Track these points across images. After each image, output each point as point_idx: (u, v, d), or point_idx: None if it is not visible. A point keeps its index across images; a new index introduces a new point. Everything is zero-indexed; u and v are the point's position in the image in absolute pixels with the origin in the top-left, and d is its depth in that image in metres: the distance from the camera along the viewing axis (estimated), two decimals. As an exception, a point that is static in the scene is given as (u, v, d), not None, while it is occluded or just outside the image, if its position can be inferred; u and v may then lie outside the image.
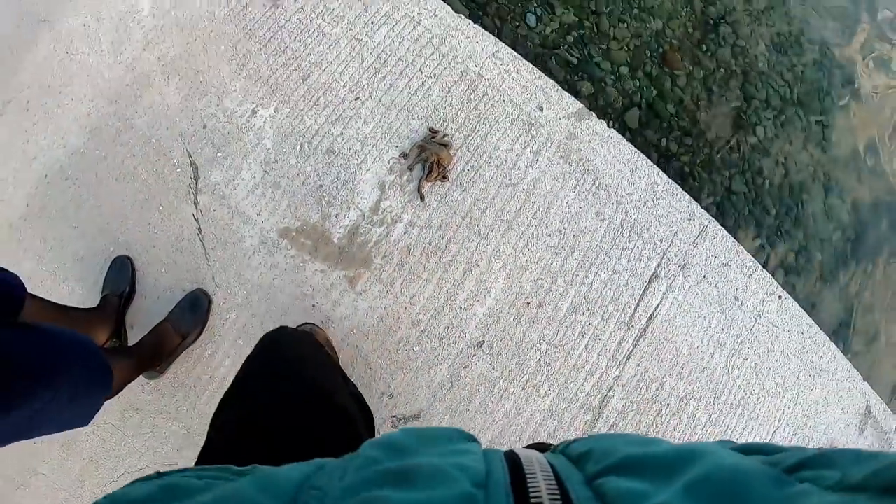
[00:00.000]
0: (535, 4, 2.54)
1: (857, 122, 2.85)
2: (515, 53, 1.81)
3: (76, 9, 1.98)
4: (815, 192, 2.84)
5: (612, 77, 2.57)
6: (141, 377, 1.68)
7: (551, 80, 1.82)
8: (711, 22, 2.82)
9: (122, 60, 1.88)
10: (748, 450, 0.31)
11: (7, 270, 1.06)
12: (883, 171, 2.80)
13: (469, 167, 1.72)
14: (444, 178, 1.70)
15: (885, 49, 2.94)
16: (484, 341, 1.68)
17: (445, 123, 1.75)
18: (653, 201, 1.84)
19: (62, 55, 1.92)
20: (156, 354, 1.63)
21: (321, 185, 1.70)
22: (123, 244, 1.79)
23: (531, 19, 2.51)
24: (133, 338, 1.75)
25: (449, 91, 1.77)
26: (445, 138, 1.74)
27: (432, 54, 1.80)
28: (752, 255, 1.91)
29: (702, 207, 1.91)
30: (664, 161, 2.59)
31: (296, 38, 1.82)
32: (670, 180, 1.91)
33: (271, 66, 1.79)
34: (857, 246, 2.73)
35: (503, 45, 1.81)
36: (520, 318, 1.70)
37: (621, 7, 2.65)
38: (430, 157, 1.69)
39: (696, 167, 2.66)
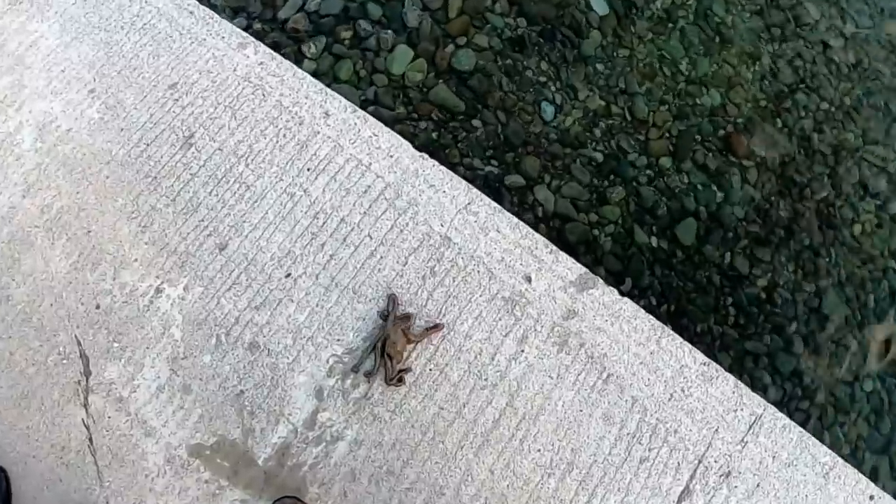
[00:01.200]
0: (554, 89, 2.52)
1: None
2: (495, 205, 1.82)
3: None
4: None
5: (649, 173, 2.54)
6: None
7: (542, 238, 1.82)
8: (786, 89, 2.76)
9: (-3, 208, 1.92)
10: None
11: None
12: None
13: (432, 365, 1.74)
14: (400, 380, 1.70)
15: None
16: None
17: (402, 307, 1.75)
18: (683, 392, 1.82)
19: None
20: None
21: (242, 391, 1.73)
22: (-3, 451, 1.83)
23: (548, 110, 2.50)
24: (9, 573, 1.78)
25: (406, 262, 1.79)
26: (405, 321, 1.74)
27: (385, 211, 1.82)
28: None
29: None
30: (729, 286, 2.55)
31: (211, 190, 1.85)
32: (707, 360, 1.89)
33: (181, 230, 1.83)
34: None
35: (478, 192, 1.80)
36: (501, 562, 1.70)
37: (663, 83, 2.62)
38: (378, 346, 1.72)
39: (775, 290, 2.60)
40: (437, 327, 1.76)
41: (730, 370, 2.29)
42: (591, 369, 1.78)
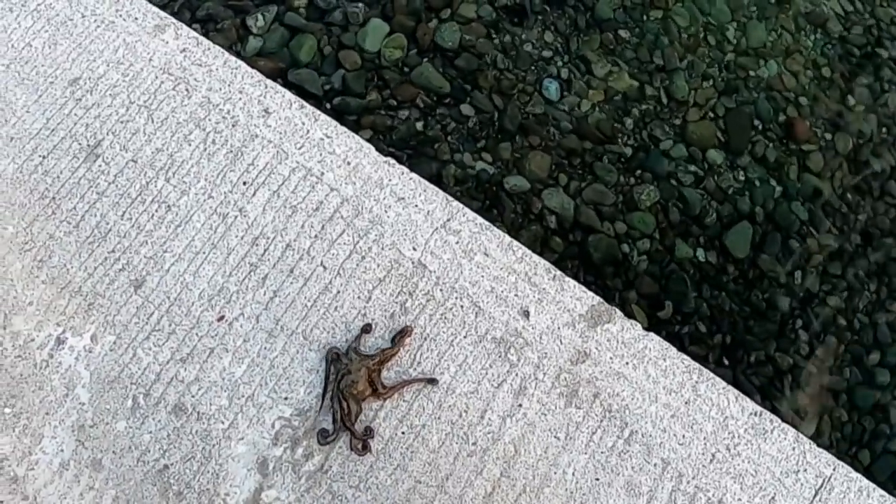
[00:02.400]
0: (562, 62, 2.57)
1: None
2: (482, 221, 1.85)
3: None
4: None
5: (696, 170, 2.57)
6: None
7: (543, 262, 1.85)
8: (857, 52, 2.79)
9: None
10: None
11: None
12: None
13: (405, 427, 1.76)
14: (364, 447, 1.72)
15: None
16: None
17: (364, 348, 1.78)
18: (728, 450, 1.84)
19: None
20: None
21: (167, 466, 1.76)
22: None
23: (550, 89, 2.54)
24: None
25: (370, 297, 1.82)
26: (373, 359, 1.75)
27: (342, 234, 1.85)
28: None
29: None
30: (799, 307, 2.57)
31: (124, 213, 1.90)
32: (758, 409, 1.92)
33: (86, 264, 1.88)
34: None
35: (459, 205, 1.83)
36: None
37: (707, 56, 2.66)
38: (340, 388, 1.73)
39: (854, 314, 2.62)
40: (431, 382, 1.78)
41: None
42: (609, 426, 1.80)
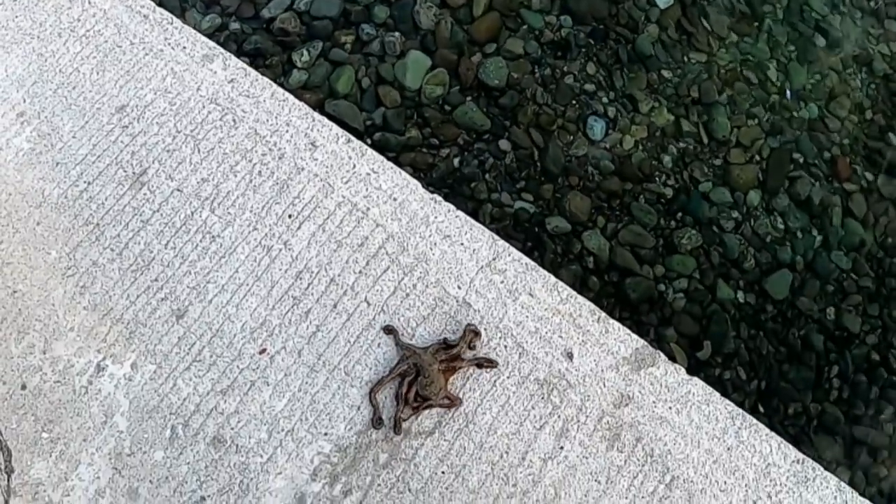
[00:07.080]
0: (608, 100, 2.64)
1: None
2: (527, 261, 1.90)
3: None
4: None
5: (736, 214, 2.64)
6: None
7: (588, 303, 1.89)
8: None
9: None
10: None
11: None
12: None
13: (445, 466, 1.81)
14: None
15: None
16: None
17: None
18: (769, 498, 1.89)
19: None
20: None
21: (203, 498, 1.82)
22: None
23: (596, 128, 2.61)
24: None
25: (414, 335, 1.89)
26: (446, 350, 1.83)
27: (387, 270, 1.91)
28: None
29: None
30: (837, 348, 2.63)
31: (168, 242, 1.96)
32: (801, 456, 1.95)
33: (129, 292, 1.94)
34: None
35: (504, 244, 1.89)
36: None
37: (748, 90, 2.73)
38: (408, 373, 1.80)
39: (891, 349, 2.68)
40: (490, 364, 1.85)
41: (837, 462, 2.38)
42: (651, 471, 1.84)
